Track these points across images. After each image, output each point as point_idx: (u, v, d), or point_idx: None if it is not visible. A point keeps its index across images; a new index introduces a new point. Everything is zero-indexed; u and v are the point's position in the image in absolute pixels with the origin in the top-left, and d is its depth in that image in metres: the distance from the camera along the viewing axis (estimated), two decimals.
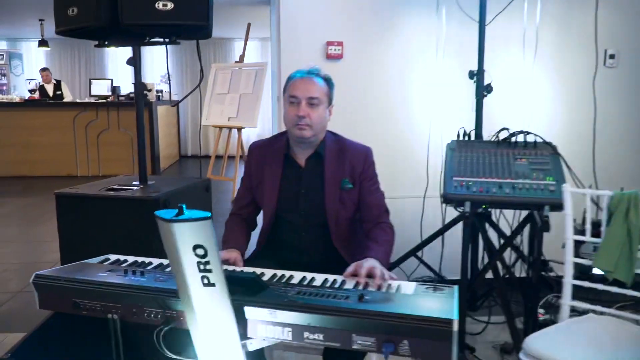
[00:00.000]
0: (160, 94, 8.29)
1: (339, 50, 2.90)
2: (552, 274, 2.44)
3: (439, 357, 1.18)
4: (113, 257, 1.70)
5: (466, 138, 2.47)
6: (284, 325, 1.25)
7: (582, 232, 1.93)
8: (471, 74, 2.57)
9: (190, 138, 10.27)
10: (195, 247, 1.10)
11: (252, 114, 5.91)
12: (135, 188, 2.33)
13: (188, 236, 1.08)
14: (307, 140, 1.76)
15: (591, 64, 2.79)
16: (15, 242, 4.49)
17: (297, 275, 1.54)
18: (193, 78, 9.87)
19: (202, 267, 1.12)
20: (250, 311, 1.27)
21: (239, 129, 6.06)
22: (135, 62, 2.33)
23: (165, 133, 8.57)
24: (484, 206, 2.21)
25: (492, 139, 2.40)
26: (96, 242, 2.18)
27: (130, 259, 1.68)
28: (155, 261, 1.67)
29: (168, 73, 2.62)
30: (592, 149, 2.75)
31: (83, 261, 1.64)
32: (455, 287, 1.45)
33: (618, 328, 1.64)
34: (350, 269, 1.53)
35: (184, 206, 1.10)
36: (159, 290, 1.35)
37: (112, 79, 8.22)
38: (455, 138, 2.48)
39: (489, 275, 2.40)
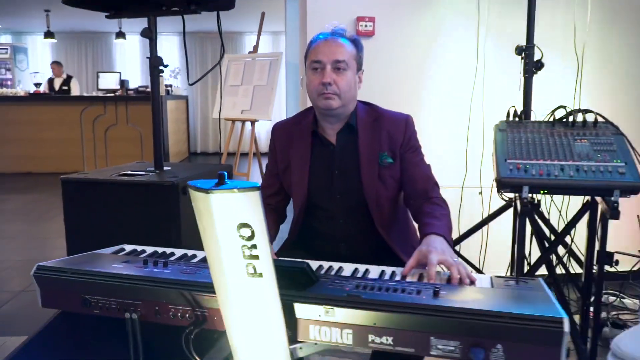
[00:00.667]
0: (169, 88, 8.08)
1: (370, 26, 2.66)
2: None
3: None
4: (128, 247, 1.47)
5: (516, 118, 2.22)
6: (344, 326, 1.02)
7: None
8: (519, 50, 2.32)
9: (200, 134, 10.05)
10: (241, 226, 0.86)
11: (267, 106, 5.68)
12: (150, 174, 2.10)
13: (231, 211, 0.85)
14: (335, 111, 1.52)
15: None
16: (19, 238, 4.28)
17: (348, 267, 1.30)
18: (202, 72, 9.64)
19: (247, 252, 0.89)
20: (301, 309, 1.03)
21: (253, 122, 5.83)
22: (151, 33, 2.09)
23: (174, 129, 8.36)
24: (542, 192, 1.96)
25: (547, 119, 2.15)
26: (107, 232, 1.95)
27: (149, 249, 1.45)
28: (178, 252, 1.43)
29: (185, 47, 2.38)
30: None
31: (94, 251, 1.41)
32: (540, 280, 1.21)
33: None
34: (412, 261, 1.28)
35: (226, 174, 0.86)
36: (188, 283, 1.11)
37: (120, 72, 8.01)
38: (501, 119, 2.23)
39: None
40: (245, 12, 7.76)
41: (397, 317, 0.99)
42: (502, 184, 1.92)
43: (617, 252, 1.93)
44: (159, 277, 1.14)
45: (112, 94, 7.55)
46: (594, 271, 2.16)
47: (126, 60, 9.76)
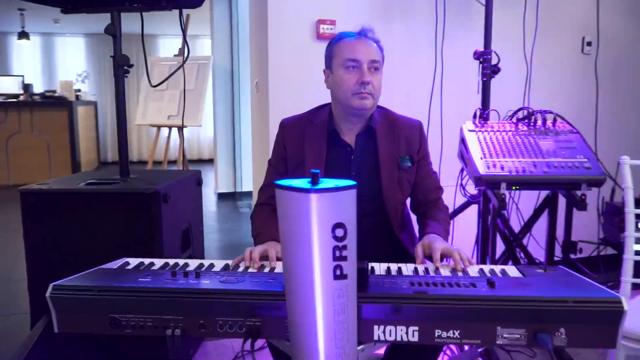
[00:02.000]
0: (79, 93, 7.51)
1: (331, 29, 2.67)
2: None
3: (601, 343, 1.01)
4: (133, 260, 1.35)
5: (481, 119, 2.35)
6: (410, 323, 1.01)
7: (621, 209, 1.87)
8: (477, 55, 2.46)
9: (111, 142, 9.45)
10: (336, 227, 0.83)
11: (196, 111, 5.49)
12: (120, 182, 1.94)
13: (330, 211, 0.81)
14: (367, 112, 1.52)
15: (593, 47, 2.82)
16: None
17: (377, 266, 1.29)
18: (112, 76, 9.08)
19: (338, 253, 0.85)
20: (366, 310, 1.01)
21: (180, 128, 5.60)
22: (115, 29, 1.94)
23: (84, 137, 7.78)
24: (514, 187, 2.09)
25: (510, 119, 2.30)
26: (79, 248, 1.78)
27: (157, 261, 1.34)
28: (192, 262, 1.34)
29: (143, 46, 2.24)
30: (594, 125, 2.76)
31: (99, 267, 1.27)
32: (561, 267, 1.29)
33: None
34: (420, 252, 1.33)
35: (318, 171, 0.82)
36: (239, 292, 1.04)
37: (23, 76, 7.30)
38: (467, 120, 2.35)
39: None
40: (156, 14, 7.44)
41: (463, 310, 1.00)
42: (482, 182, 2.01)
43: (580, 241, 2.10)
44: (204, 289, 1.06)
45: (14, 100, 6.87)
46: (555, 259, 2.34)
47: (24, 63, 8.91)
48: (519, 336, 1.00)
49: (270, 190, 1.63)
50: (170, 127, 5.66)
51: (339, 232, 0.84)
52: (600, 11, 2.96)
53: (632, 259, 1.69)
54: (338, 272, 0.87)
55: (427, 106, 2.74)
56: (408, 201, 1.66)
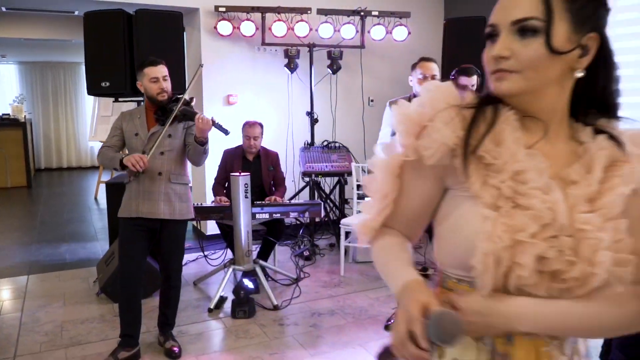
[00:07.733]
0: (26, 114, 9.27)
1: (235, 99, 5.24)
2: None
3: (316, 215, 3.75)
4: None
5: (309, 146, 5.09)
6: (268, 213, 3.67)
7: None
8: (307, 113, 5.20)
9: (43, 152, 11.12)
10: (246, 186, 3.46)
11: None
12: None
13: (245, 180, 3.45)
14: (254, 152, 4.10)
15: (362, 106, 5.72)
16: None
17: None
18: (44, 98, 10.82)
19: (246, 191, 3.49)
20: (254, 209, 3.65)
21: None
22: None
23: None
24: (320, 176, 4.83)
25: (321, 145, 5.07)
26: None
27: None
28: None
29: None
30: (363, 149, 5.63)
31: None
32: (320, 202, 4.03)
33: None
34: (272, 198, 4.00)
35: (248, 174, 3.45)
36: (222, 208, 3.63)
37: None
38: (301, 146, 5.07)
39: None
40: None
41: (284, 209, 3.68)
42: (304, 174, 4.75)
43: (348, 198, 4.92)
44: (212, 206, 3.63)
45: None
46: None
47: None
48: (297, 214, 3.71)
49: (220, 176, 4.19)
50: None
51: (247, 187, 3.46)
52: (374, 80, 5.84)
53: (355, 201, 4.50)
54: (246, 196, 3.50)
55: (285, 138, 5.44)
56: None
